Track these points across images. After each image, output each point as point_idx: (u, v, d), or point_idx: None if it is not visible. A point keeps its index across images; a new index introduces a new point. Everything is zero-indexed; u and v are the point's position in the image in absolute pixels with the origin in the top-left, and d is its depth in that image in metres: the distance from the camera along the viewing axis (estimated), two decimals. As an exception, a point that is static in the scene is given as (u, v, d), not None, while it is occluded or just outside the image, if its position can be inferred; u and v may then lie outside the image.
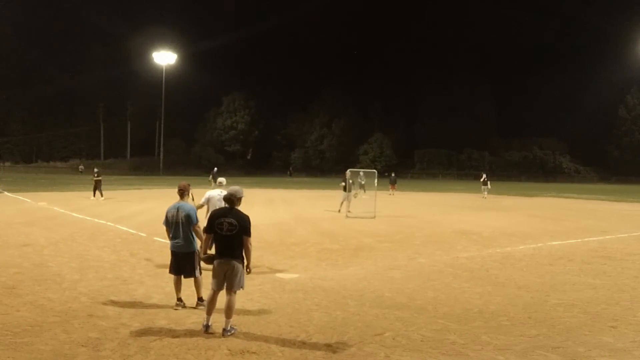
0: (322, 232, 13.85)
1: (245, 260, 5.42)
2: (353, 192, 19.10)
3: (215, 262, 5.43)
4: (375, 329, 5.65)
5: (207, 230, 5.52)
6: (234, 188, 5.60)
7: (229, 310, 5.30)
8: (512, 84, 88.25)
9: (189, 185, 6.73)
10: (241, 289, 5.49)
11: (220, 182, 9.51)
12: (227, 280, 5.36)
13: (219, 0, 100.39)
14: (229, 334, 5.26)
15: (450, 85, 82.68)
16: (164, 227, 6.54)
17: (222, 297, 5.43)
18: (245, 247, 5.35)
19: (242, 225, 5.32)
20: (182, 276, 6.38)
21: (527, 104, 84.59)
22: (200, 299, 6.36)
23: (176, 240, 6.34)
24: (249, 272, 5.50)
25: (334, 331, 5.53)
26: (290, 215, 18.18)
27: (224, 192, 8.32)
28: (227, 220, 5.32)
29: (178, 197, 6.56)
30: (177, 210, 6.36)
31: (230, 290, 5.36)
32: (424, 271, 8.92)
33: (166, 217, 6.46)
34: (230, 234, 5.31)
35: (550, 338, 5.45)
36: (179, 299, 6.36)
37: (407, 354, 4.92)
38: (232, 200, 5.45)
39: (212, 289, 5.46)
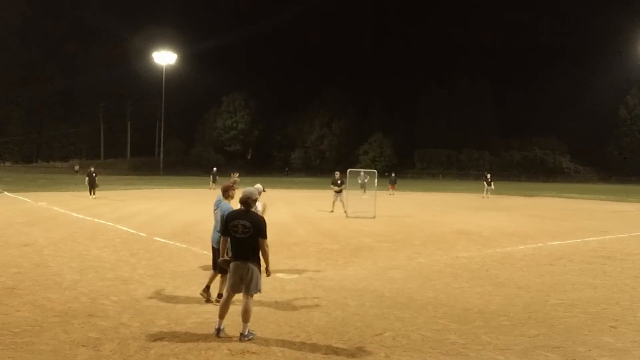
0: (322, 232, 13.85)
1: (264, 263, 5.34)
2: (339, 187, 19.20)
3: (231, 264, 5.34)
4: (375, 329, 5.65)
5: (222, 232, 5.49)
6: (249, 190, 5.51)
7: (245, 314, 5.20)
8: (512, 83, 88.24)
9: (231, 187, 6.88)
10: (258, 292, 5.38)
11: None
12: (244, 283, 5.27)
13: (219, 0, 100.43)
14: (246, 339, 5.15)
15: (450, 85, 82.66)
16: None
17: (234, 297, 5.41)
18: (262, 250, 5.28)
19: (257, 228, 5.24)
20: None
21: (527, 104, 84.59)
22: (219, 295, 6.33)
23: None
24: (268, 275, 5.42)
25: (334, 331, 5.53)
26: (290, 215, 18.17)
27: None
28: (241, 222, 5.25)
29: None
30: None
31: (247, 294, 5.25)
32: (424, 271, 8.93)
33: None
34: (244, 237, 5.23)
35: (550, 338, 5.45)
36: (207, 287, 6.60)
37: (407, 354, 4.91)
38: (247, 202, 5.36)
39: (228, 291, 5.39)
